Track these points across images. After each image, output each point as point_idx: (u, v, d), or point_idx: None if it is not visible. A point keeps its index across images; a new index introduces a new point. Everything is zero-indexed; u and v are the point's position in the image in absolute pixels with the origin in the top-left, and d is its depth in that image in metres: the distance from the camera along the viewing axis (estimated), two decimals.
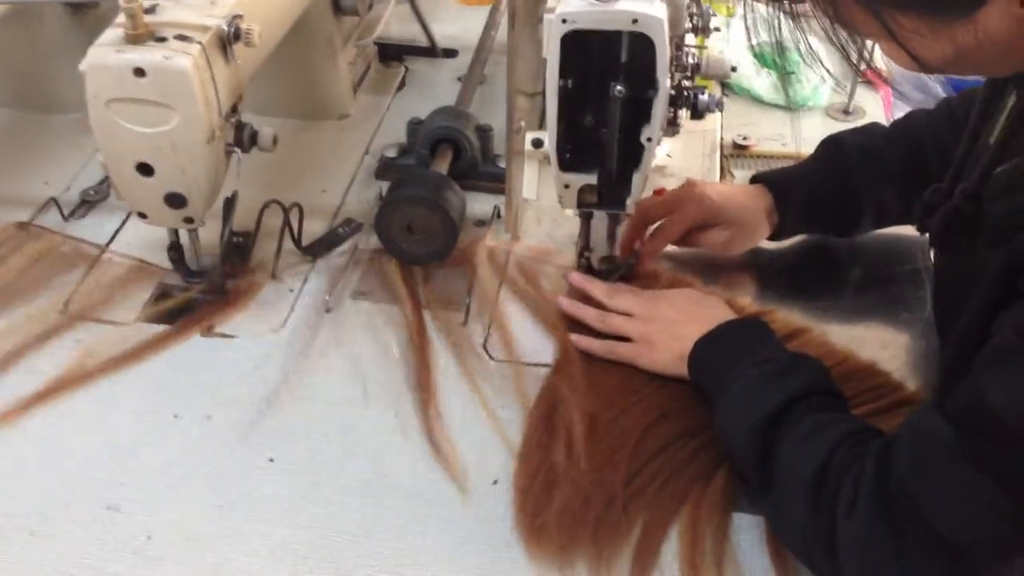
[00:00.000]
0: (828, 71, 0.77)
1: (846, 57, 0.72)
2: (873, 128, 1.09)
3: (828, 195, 1.06)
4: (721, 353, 0.91)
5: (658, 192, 1.11)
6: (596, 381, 0.97)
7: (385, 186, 1.20)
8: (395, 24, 1.55)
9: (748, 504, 0.85)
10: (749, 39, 0.78)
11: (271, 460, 0.89)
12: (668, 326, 0.96)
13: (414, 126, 1.24)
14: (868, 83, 1.42)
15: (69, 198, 1.21)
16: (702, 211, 1.05)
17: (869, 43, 0.76)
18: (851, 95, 1.38)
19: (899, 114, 1.43)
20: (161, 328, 1.02)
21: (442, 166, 1.18)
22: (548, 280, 1.09)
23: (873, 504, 0.72)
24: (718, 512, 0.85)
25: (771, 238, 1.09)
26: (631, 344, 0.98)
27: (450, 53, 1.54)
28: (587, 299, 1.04)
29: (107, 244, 1.13)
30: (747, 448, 0.82)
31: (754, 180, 1.09)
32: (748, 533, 0.83)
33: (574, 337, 1.00)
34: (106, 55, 0.90)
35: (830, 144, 1.08)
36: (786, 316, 1.04)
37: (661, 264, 1.10)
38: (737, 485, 0.86)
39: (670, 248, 1.09)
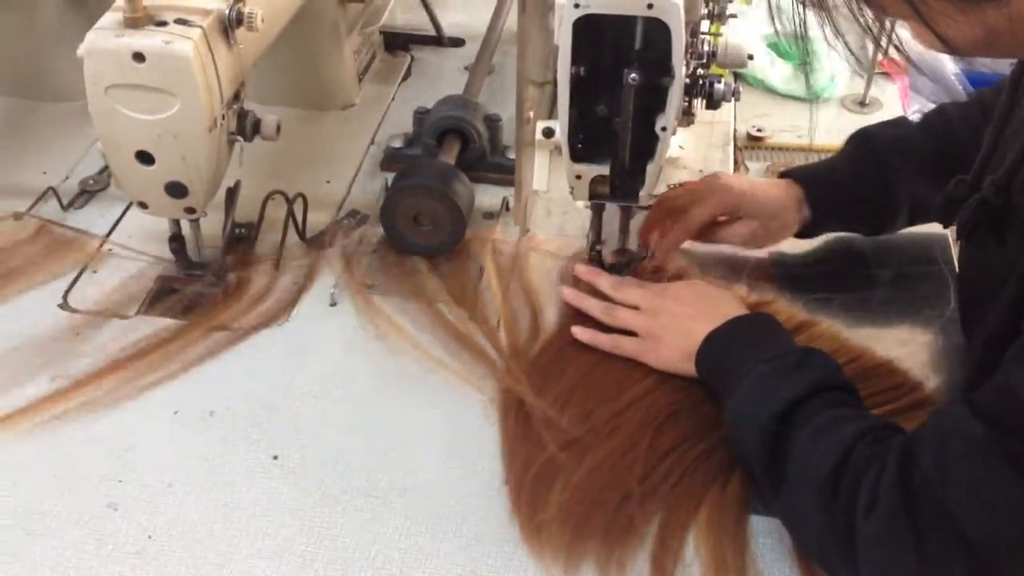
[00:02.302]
0: (852, 52, 0.74)
1: (872, 39, 0.69)
2: (904, 121, 1.05)
3: (862, 191, 1.02)
4: (729, 350, 0.88)
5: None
6: (587, 372, 0.94)
7: (391, 177, 1.17)
8: (400, 12, 1.52)
9: (765, 507, 0.82)
10: (774, 22, 0.75)
11: (275, 458, 0.87)
12: (675, 322, 0.93)
13: (420, 116, 1.21)
14: (885, 74, 1.39)
15: (68, 187, 1.18)
16: (724, 201, 1.02)
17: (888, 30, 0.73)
18: (867, 86, 1.36)
19: (915, 106, 1.42)
20: (161, 321, 1.00)
21: (449, 157, 1.16)
22: (558, 274, 1.07)
23: (895, 502, 0.70)
24: (735, 515, 0.82)
25: (799, 235, 1.05)
26: (637, 340, 0.95)
27: (457, 42, 1.51)
28: (592, 292, 1.02)
29: (107, 235, 1.11)
30: (757, 447, 0.79)
31: (783, 176, 1.05)
32: (769, 537, 0.81)
33: (576, 329, 0.97)
34: (104, 39, 0.88)
35: (860, 138, 1.04)
36: (789, 308, 1.01)
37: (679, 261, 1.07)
38: (754, 487, 0.84)
39: (689, 244, 1.06)
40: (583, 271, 1.03)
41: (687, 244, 1.06)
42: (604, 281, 1.01)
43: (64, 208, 1.15)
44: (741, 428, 0.82)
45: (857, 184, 1.02)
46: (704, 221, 1.02)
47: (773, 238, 1.04)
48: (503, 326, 1.00)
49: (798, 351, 0.85)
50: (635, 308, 0.97)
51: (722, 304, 0.94)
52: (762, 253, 1.08)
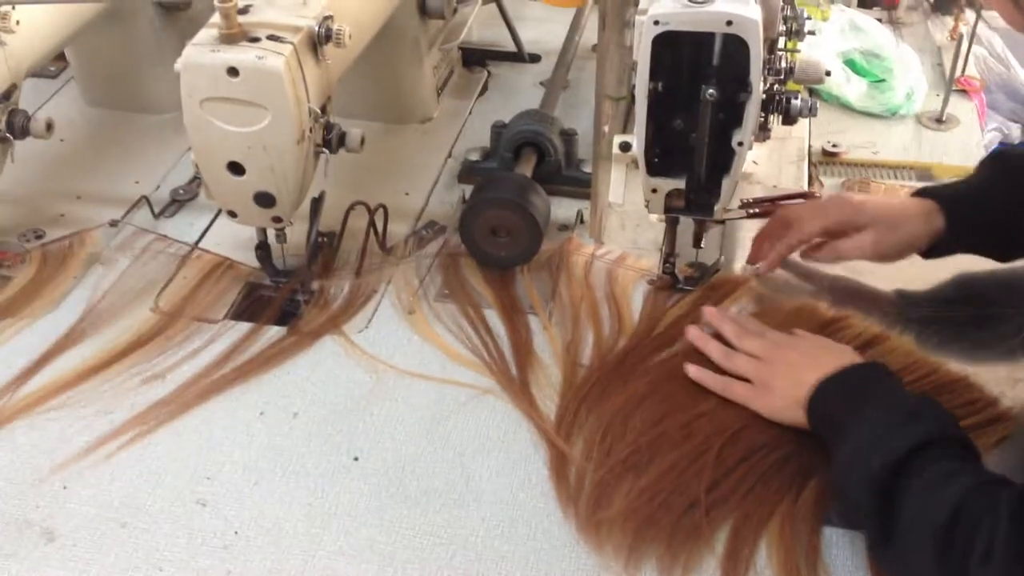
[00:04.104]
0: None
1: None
2: None
3: (1002, 208, 0.99)
4: (841, 397, 0.86)
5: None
6: (664, 380, 0.96)
7: (467, 189, 1.20)
8: (478, 29, 1.55)
9: (839, 519, 0.83)
10: None
11: (356, 459, 0.89)
12: (789, 370, 0.91)
13: (498, 129, 1.24)
14: (962, 91, 1.39)
15: (159, 196, 1.23)
16: (837, 213, 1.01)
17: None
18: (944, 103, 1.35)
19: (992, 123, 1.41)
20: (248, 326, 1.04)
21: (526, 170, 1.18)
22: (630, 286, 1.08)
23: (1009, 554, 0.68)
24: (809, 526, 0.82)
25: (928, 254, 1.03)
26: (747, 385, 0.93)
27: (533, 58, 1.54)
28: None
29: (196, 242, 1.15)
30: (867, 496, 0.77)
31: (915, 195, 1.04)
32: (842, 549, 0.81)
33: (691, 369, 0.95)
34: (201, 54, 0.91)
35: (998, 160, 1.03)
36: (863, 322, 1.01)
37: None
38: (829, 499, 0.84)
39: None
40: (711, 315, 1.01)
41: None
42: (728, 328, 0.98)
43: (156, 216, 1.19)
44: (851, 475, 0.80)
45: (996, 201, 1.00)
46: (814, 232, 1.02)
47: (899, 250, 1.02)
48: (577, 337, 1.02)
49: (914, 401, 0.83)
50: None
51: (841, 357, 0.91)
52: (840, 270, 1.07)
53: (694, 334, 0.99)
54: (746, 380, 0.93)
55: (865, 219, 1.01)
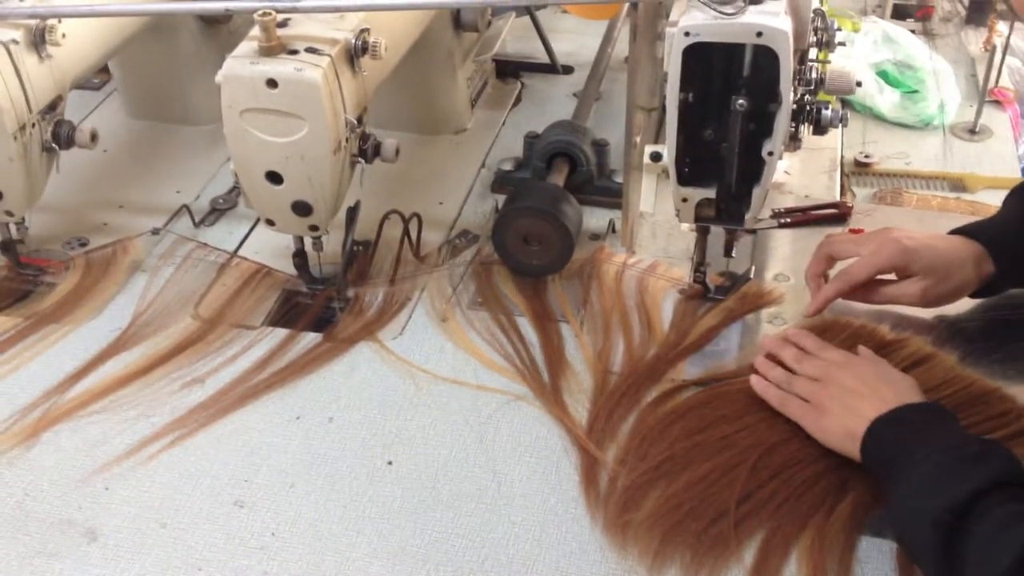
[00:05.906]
0: None
1: None
2: None
3: None
4: (900, 436, 0.83)
5: (854, 231, 1.04)
6: (713, 398, 0.96)
7: (500, 199, 1.21)
8: (511, 41, 1.57)
9: (871, 532, 0.83)
10: None
11: (390, 463, 0.91)
12: (842, 395, 0.89)
13: (531, 140, 1.25)
14: (995, 102, 1.39)
15: (200, 206, 1.26)
16: (890, 258, 0.98)
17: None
18: (978, 114, 1.35)
19: None
20: (285, 333, 1.06)
21: (558, 180, 1.19)
22: (661, 295, 1.09)
23: None
24: (842, 541, 0.82)
25: (978, 294, 1.02)
26: (803, 404, 0.91)
27: (566, 69, 1.55)
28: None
29: (235, 250, 1.17)
30: (931, 540, 0.75)
31: (953, 233, 1.02)
32: (874, 565, 0.81)
33: (753, 379, 0.95)
34: (241, 66, 0.94)
35: None
36: (918, 342, 0.99)
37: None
38: (863, 515, 0.84)
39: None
40: (771, 345, 0.99)
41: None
42: (788, 353, 0.97)
43: (196, 225, 1.22)
44: (912, 519, 0.78)
45: None
46: (865, 278, 1.00)
47: (947, 298, 1.00)
48: (608, 345, 1.03)
49: (976, 442, 0.81)
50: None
51: (900, 389, 0.88)
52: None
53: (760, 362, 0.98)
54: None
55: (917, 267, 0.98)
